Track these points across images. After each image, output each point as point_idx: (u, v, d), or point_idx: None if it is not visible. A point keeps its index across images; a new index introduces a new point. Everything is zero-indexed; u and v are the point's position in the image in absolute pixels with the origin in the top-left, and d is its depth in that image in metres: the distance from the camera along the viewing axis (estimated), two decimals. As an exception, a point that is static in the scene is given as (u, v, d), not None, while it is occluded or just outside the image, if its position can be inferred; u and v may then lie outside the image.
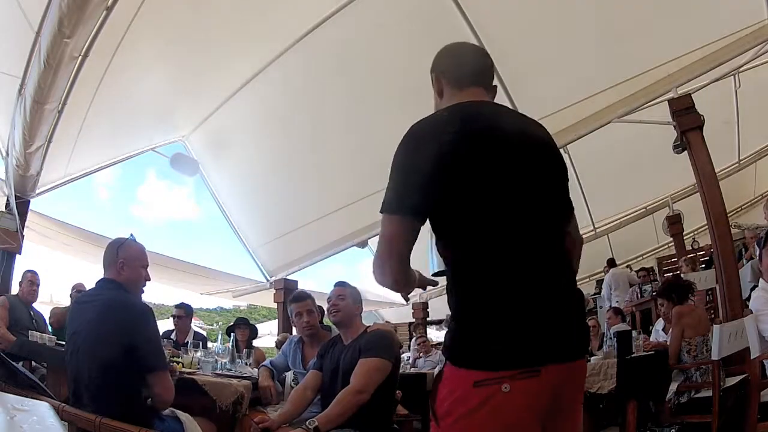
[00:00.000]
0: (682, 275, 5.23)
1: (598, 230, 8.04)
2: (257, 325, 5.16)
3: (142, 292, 2.04)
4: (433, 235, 1.04)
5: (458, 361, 0.94)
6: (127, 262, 1.95)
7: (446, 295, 1.03)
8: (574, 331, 0.99)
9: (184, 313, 4.57)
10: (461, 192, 0.96)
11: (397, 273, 1.00)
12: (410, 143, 1.02)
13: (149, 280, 2.04)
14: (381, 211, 0.99)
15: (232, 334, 3.73)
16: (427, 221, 1.02)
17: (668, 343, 3.76)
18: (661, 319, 4.28)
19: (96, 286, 1.98)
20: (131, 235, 2.10)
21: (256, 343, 4.91)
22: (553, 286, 0.99)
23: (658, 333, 4.36)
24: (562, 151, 6.09)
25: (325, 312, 2.50)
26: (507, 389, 0.87)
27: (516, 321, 0.92)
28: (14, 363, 2.46)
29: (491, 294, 0.94)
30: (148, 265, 2.05)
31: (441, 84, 1.18)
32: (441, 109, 1.12)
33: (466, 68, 1.17)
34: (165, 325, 4.95)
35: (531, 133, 1.11)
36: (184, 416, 1.98)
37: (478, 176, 0.96)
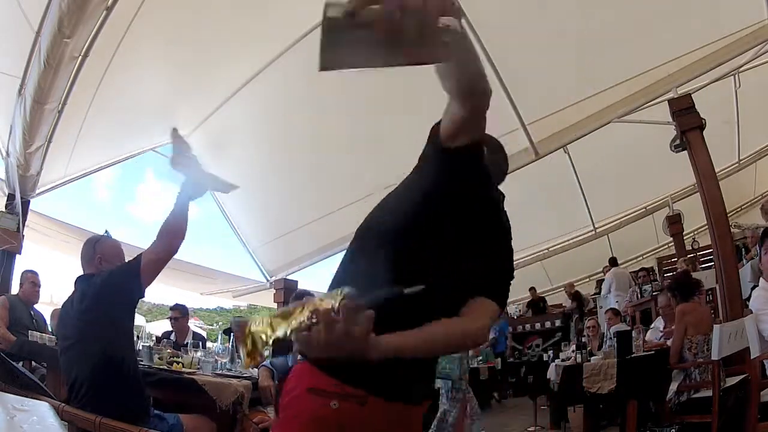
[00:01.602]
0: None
1: (598, 230, 8.04)
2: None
3: None
4: None
5: (309, 362, 0.92)
6: (104, 257, 1.98)
7: None
8: (417, 378, 0.96)
9: (179, 314, 4.56)
10: None
11: None
12: None
13: None
14: None
15: (231, 334, 3.73)
16: None
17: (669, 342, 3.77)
18: (660, 317, 4.28)
19: (75, 284, 1.99)
20: (106, 231, 2.14)
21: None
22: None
23: (657, 331, 4.36)
24: (561, 151, 6.02)
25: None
26: (335, 406, 0.86)
27: None
28: (14, 363, 2.46)
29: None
30: (124, 260, 2.05)
31: None
32: None
33: None
34: (164, 326, 4.95)
35: None
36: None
37: None
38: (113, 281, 1.83)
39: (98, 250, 1.99)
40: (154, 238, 1.83)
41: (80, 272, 2.01)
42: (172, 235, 1.80)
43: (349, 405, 0.86)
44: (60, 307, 2.10)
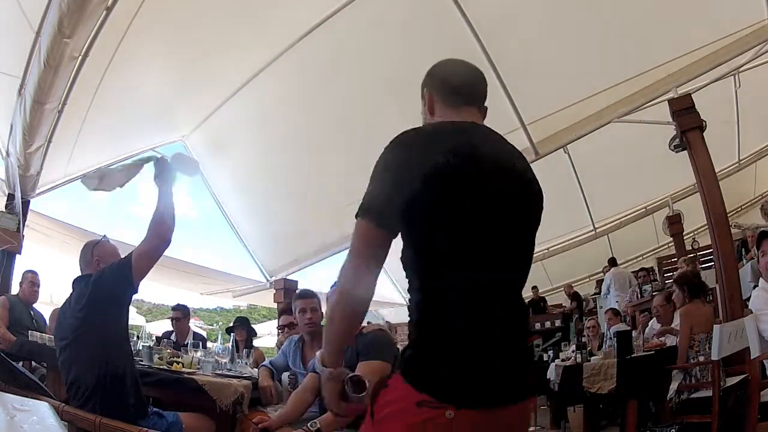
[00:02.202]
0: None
1: (598, 230, 8.04)
2: (257, 326, 5.15)
3: None
4: None
5: (409, 378, 0.93)
6: (102, 259, 2.02)
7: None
8: (524, 377, 0.99)
9: (181, 314, 4.57)
10: (438, 210, 0.94)
11: (356, 282, 0.97)
12: (393, 152, 0.99)
13: None
14: (356, 215, 0.98)
15: (231, 334, 3.73)
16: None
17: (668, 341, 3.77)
18: (654, 319, 4.28)
19: (72, 285, 2.02)
20: (104, 236, 2.18)
21: (256, 342, 4.90)
22: (512, 334, 0.99)
23: (653, 329, 4.35)
24: (561, 151, 6.05)
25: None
26: (450, 415, 0.87)
27: (474, 361, 0.92)
28: (14, 363, 2.46)
29: (457, 329, 0.93)
30: None
31: (433, 101, 1.13)
32: (434, 122, 1.10)
33: (461, 87, 1.13)
34: (164, 326, 4.95)
35: (517, 170, 1.08)
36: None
37: (458, 200, 0.94)
38: (105, 278, 1.85)
39: (96, 253, 2.03)
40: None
41: (78, 274, 2.03)
42: (158, 226, 1.84)
43: (467, 412, 0.88)
44: (59, 307, 2.13)
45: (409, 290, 1.01)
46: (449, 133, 1.03)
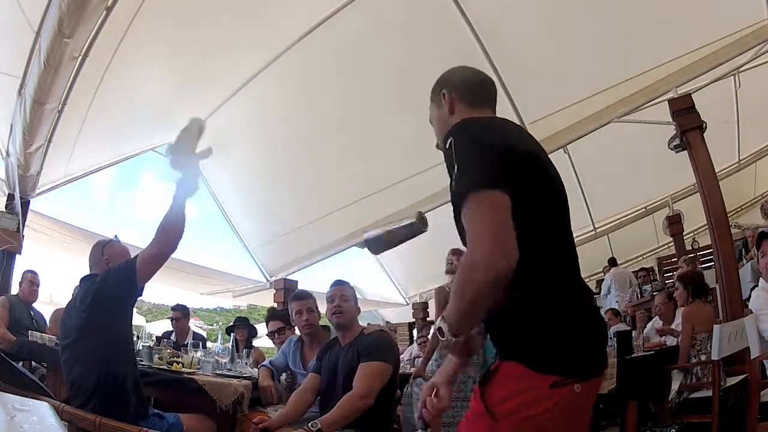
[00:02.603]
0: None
1: (598, 230, 8.03)
2: (257, 326, 5.15)
3: None
4: None
5: (537, 365, 0.96)
6: (112, 258, 2.02)
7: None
8: (605, 347, 1.12)
9: (181, 314, 4.57)
10: (523, 188, 0.96)
11: (500, 263, 0.87)
12: (474, 129, 1.04)
13: None
14: (469, 191, 0.91)
15: (231, 334, 3.73)
16: None
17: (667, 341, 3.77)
18: (656, 317, 4.28)
19: (80, 283, 2.03)
20: (116, 236, 2.17)
21: (255, 343, 4.90)
22: (593, 307, 1.10)
23: (654, 327, 4.36)
24: (561, 151, 6.06)
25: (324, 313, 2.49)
26: (578, 389, 0.96)
27: (585, 335, 1.02)
28: (14, 363, 2.46)
29: (561, 309, 1.01)
30: None
31: (453, 101, 1.18)
32: (483, 116, 1.16)
33: (480, 89, 1.21)
34: (164, 326, 4.96)
35: (549, 159, 1.18)
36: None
37: (534, 182, 1.02)
38: (111, 278, 1.85)
39: (106, 252, 2.03)
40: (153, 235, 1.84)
41: (86, 272, 2.03)
42: (167, 232, 1.81)
43: (587, 383, 0.99)
44: (62, 307, 2.13)
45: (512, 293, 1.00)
46: (506, 123, 1.14)
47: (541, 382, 0.94)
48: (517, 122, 4.91)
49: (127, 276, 1.81)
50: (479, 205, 0.90)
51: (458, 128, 1.04)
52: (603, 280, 8.13)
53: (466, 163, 0.95)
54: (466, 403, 3.26)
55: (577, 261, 1.10)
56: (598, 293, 8.44)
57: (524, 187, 0.96)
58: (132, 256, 1.92)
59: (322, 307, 2.59)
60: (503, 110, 4.70)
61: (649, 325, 4.55)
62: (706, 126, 4.12)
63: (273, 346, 3.61)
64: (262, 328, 4.79)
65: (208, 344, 4.31)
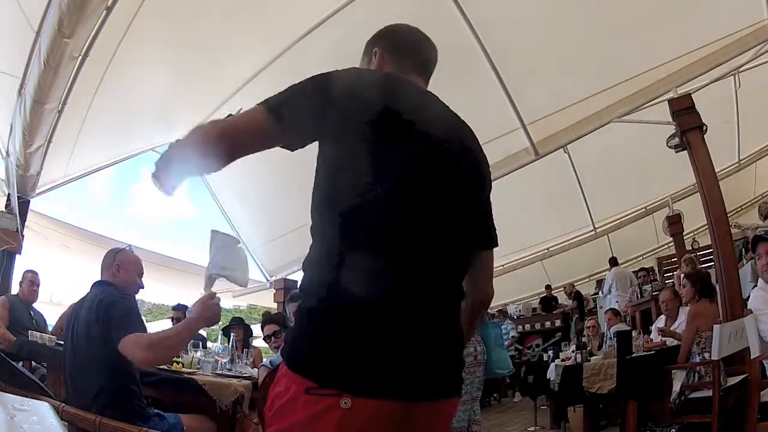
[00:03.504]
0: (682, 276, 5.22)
1: (598, 230, 8.04)
2: (257, 326, 5.16)
3: (135, 298, 2.09)
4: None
5: (293, 364, 0.80)
6: (123, 265, 2.03)
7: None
8: (438, 370, 0.85)
9: (182, 314, 4.58)
10: (355, 145, 0.87)
11: (230, 145, 0.92)
12: (338, 77, 0.94)
13: (143, 287, 2.12)
14: (256, 104, 0.92)
15: (231, 334, 3.73)
16: None
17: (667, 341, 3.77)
18: (662, 316, 4.27)
19: (91, 288, 2.02)
20: (129, 246, 2.20)
21: (255, 342, 4.90)
22: (432, 318, 0.85)
23: (656, 328, 4.34)
24: (561, 151, 6.03)
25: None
26: (347, 405, 0.74)
27: (379, 342, 0.78)
28: (14, 363, 2.46)
29: (359, 304, 0.79)
30: (143, 274, 2.13)
31: (383, 61, 1.10)
32: (375, 69, 1.08)
33: (414, 55, 1.11)
34: (164, 326, 4.95)
35: (465, 143, 0.99)
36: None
37: (388, 145, 0.87)
38: (105, 321, 1.80)
39: (117, 259, 2.04)
40: (148, 336, 1.79)
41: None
42: (167, 347, 1.77)
43: (363, 401, 0.76)
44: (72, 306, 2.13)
45: (304, 264, 0.91)
46: (400, 81, 0.99)
47: (296, 385, 0.77)
48: (517, 122, 4.95)
49: (112, 334, 1.76)
50: (247, 111, 0.94)
51: (326, 73, 0.96)
52: (603, 280, 8.14)
53: (284, 90, 0.95)
54: (475, 404, 3.28)
55: (428, 261, 0.85)
56: (598, 293, 8.46)
57: (341, 141, 0.90)
58: (135, 303, 1.91)
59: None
60: (503, 110, 4.73)
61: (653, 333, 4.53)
62: (706, 128, 4.12)
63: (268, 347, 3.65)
64: (255, 329, 4.80)
65: (208, 344, 4.31)
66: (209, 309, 1.73)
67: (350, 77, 0.94)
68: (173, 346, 1.81)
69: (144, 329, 1.85)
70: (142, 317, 2.03)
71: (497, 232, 1.08)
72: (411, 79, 1.04)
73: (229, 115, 0.95)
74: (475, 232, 0.99)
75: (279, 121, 0.90)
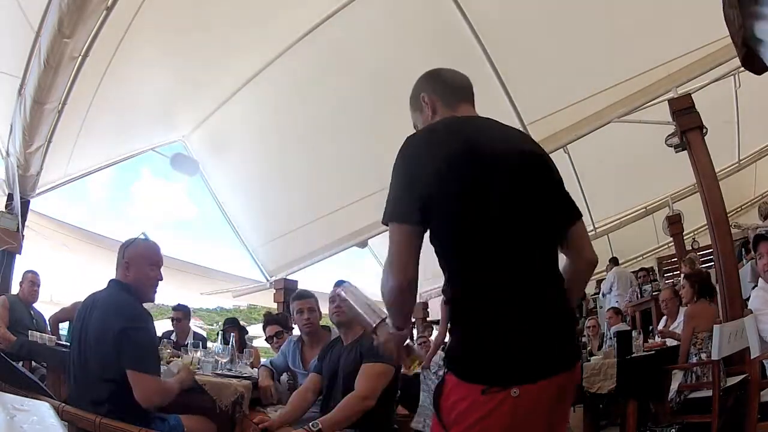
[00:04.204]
0: (682, 276, 5.22)
1: (598, 230, 8.03)
2: (257, 326, 5.18)
3: (154, 292, 2.00)
4: None
5: (465, 375, 1.00)
6: (132, 262, 1.93)
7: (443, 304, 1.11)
8: (566, 344, 1.06)
9: (182, 315, 4.57)
10: (456, 203, 1.03)
11: (402, 281, 1.05)
12: (408, 150, 1.09)
13: (161, 279, 2.01)
14: (383, 222, 1.06)
15: (232, 335, 3.73)
16: None
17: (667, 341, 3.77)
18: (663, 317, 4.27)
19: (107, 286, 1.97)
20: (143, 234, 2.05)
21: (255, 343, 4.91)
22: (544, 306, 1.04)
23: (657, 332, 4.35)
24: (561, 151, 6.03)
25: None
26: (516, 394, 0.95)
27: (517, 341, 0.99)
28: (14, 363, 2.46)
29: (492, 315, 1.01)
30: (159, 264, 2.01)
31: (434, 101, 1.24)
32: (435, 121, 1.20)
33: (457, 88, 1.26)
34: (164, 326, 4.96)
35: (520, 147, 1.15)
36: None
37: (469, 189, 1.04)
38: (124, 342, 1.77)
39: (126, 256, 1.94)
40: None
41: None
42: (162, 401, 1.81)
43: (528, 386, 0.96)
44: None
45: (449, 301, 1.09)
46: (460, 127, 1.13)
47: (472, 390, 0.97)
48: (517, 122, 4.94)
49: (123, 359, 1.74)
50: (391, 234, 1.06)
51: (402, 147, 1.10)
52: (603, 280, 8.13)
53: (391, 191, 1.08)
54: None
55: (529, 260, 1.05)
56: (598, 293, 8.45)
57: (447, 208, 1.03)
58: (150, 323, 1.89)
59: (324, 308, 2.60)
60: (503, 110, 4.73)
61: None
62: (707, 131, 4.12)
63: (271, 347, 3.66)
64: (255, 329, 4.80)
65: (208, 344, 4.31)
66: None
67: (438, 143, 1.09)
68: (173, 395, 1.87)
69: (158, 364, 1.85)
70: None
71: None
72: (461, 111, 1.21)
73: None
74: (561, 212, 1.15)
75: (421, 223, 1.05)
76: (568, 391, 1.07)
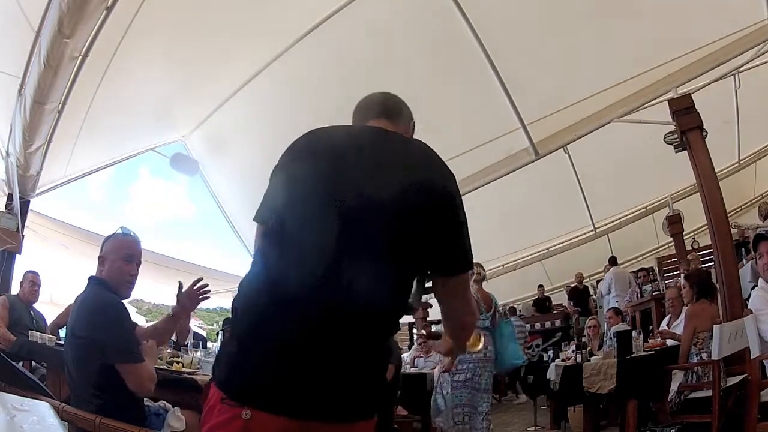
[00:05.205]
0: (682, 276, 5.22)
1: (598, 230, 8.04)
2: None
3: (129, 288, 1.89)
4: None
5: (213, 375, 0.98)
6: (106, 256, 1.85)
7: None
8: (340, 394, 0.91)
9: (182, 314, 4.54)
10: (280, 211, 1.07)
11: None
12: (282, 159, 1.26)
13: (133, 275, 1.88)
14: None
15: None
16: None
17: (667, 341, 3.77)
18: (668, 316, 4.26)
19: (87, 283, 1.92)
20: (121, 227, 1.93)
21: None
22: (322, 344, 0.90)
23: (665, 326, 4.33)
24: (561, 151, 6.00)
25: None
26: (247, 416, 0.86)
27: (265, 365, 0.90)
28: (14, 363, 2.46)
29: (254, 329, 0.92)
30: (133, 257, 1.89)
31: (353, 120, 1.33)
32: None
33: (361, 108, 1.34)
34: (164, 325, 4.94)
35: (401, 164, 1.04)
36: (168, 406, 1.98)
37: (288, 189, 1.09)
38: (96, 332, 1.74)
39: (103, 250, 1.88)
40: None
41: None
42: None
43: (258, 414, 0.86)
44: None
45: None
46: (311, 135, 1.22)
47: (216, 395, 0.92)
48: (517, 122, 4.94)
49: (107, 354, 1.69)
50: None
51: None
52: (601, 279, 8.13)
53: None
54: (486, 394, 3.58)
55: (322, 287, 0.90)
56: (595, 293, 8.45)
57: (280, 210, 1.07)
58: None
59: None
60: (503, 110, 4.73)
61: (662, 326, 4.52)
62: (707, 133, 4.13)
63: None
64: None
65: (208, 344, 4.31)
66: None
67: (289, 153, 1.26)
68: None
69: (140, 349, 1.78)
70: (132, 320, 1.93)
71: (469, 252, 1.00)
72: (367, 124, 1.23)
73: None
74: (416, 257, 0.97)
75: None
76: None
